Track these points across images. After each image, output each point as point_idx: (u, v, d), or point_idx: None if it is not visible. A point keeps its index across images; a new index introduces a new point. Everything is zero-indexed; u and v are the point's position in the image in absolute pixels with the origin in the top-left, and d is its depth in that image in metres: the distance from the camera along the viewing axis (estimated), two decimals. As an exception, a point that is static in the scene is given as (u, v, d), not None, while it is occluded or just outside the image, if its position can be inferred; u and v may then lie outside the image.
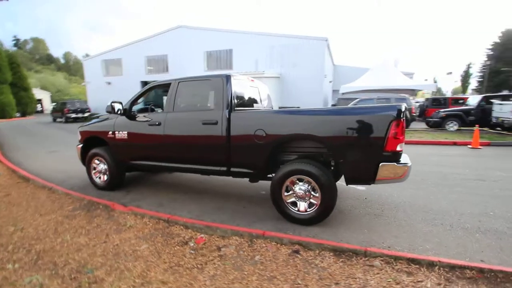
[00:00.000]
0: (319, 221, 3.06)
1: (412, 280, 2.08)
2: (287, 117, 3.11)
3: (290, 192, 3.15)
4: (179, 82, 3.85)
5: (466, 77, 52.62)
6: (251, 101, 4.03)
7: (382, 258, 2.33)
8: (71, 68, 73.77)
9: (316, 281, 2.10)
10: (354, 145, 2.79)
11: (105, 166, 4.42)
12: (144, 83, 23.57)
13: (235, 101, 3.49)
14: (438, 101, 14.61)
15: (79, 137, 4.73)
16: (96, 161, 4.51)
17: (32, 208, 3.70)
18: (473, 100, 11.62)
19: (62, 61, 77.60)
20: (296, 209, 3.13)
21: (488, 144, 8.15)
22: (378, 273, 2.18)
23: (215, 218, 3.32)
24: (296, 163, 3.09)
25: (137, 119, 4.10)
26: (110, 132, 4.25)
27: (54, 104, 25.22)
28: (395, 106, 2.68)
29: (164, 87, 4.30)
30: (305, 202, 3.10)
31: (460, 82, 53.72)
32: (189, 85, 3.83)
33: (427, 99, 16.43)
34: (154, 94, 6.42)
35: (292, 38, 18.00)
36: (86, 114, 21.00)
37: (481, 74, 53.42)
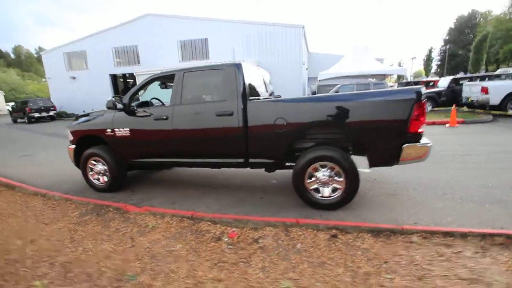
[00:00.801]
0: (343, 205, 3.13)
1: (452, 251, 2.22)
2: (309, 105, 3.09)
3: (313, 179, 3.17)
4: (184, 73, 3.64)
5: (428, 61, 56.12)
6: (260, 89, 3.94)
7: (418, 234, 2.45)
8: (23, 63, 66.95)
9: (365, 262, 2.16)
10: (379, 129, 2.85)
11: (104, 167, 4.11)
12: (114, 77, 22.11)
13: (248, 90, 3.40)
14: (412, 84, 15.43)
15: (70, 137, 4.34)
16: (93, 162, 4.18)
17: (32, 217, 3.36)
18: (443, 82, 12.43)
19: (12, 56, 70.00)
20: (320, 195, 3.17)
21: (463, 122, 8.84)
22: (419, 248, 2.30)
23: (238, 211, 3.26)
24: (319, 149, 3.10)
25: (137, 114, 3.83)
26: (109, 130, 3.94)
27: (12, 104, 22.84)
28: (415, 88, 2.77)
29: (166, 79, 4.06)
30: (328, 187, 3.14)
31: (423, 66, 57.22)
32: (196, 76, 3.64)
33: (400, 83, 17.30)
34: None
35: (269, 26, 17.80)
36: (52, 113, 19.34)
37: (439, 57, 57.35)
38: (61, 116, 20.36)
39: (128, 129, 3.83)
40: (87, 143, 4.29)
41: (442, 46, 57.20)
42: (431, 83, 14.99)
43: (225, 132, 3.37)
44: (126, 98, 3.84)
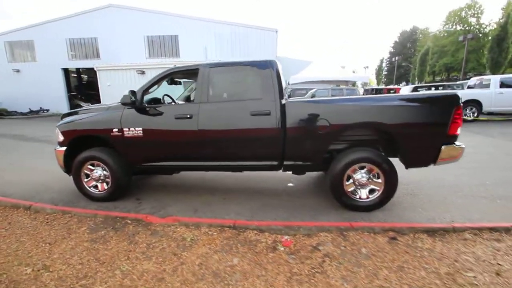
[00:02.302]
0: (381, 206, 3.15)
1: (505, 245, 2.36)
2: (353, 106, 3.05)
3: (350, 181, 3.14)
4: (211, 68, 3.33)
5: (380, 70, 61.68)
6: (284, 87, 3.80)
7: (468, 231, 2.57)
8: None
9: (438, 262, 2.17)
10: (421, 130, 2.94)
11: (105, 172, 3.55)
12: (66, 71, 19.74)
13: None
14: (377, 91, 16.73)
15: (60, 138, 3.66)
16: (90, 167, 3.59)
17: (26, 236, 2.71)
18: (405, 90, 13.69)
19: None
20: (358, 196, 3.15)
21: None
22: (475, 245, 2.40)
23: (275, 217, 3.07)
24: (358, 151, 3.08)
25: (152, 112, 3.39)
26: (116, 130, 3.41)
27: None
28: (454, 93, 2.93)
29: (187, 74, 3.68)
30: (366, 189, 3.14)
31: (375, 75, 62.77)
32: (225, 72, 3.36)
33: (366, 90, 18.63)
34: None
35: (243, 27, 17.72)
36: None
37: (386, 68, 63.55)
38: (1, 114, 17.46)
39: (140, 129, 3.36)
40: (83, 144, 3.68)
41: (388, 58, 63.56)
42: (393, 91, 16.43)
43: (260, 133, 3.16)
44: (138, 94, 3.36)
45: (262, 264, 2.20)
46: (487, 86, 10.45)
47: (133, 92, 3.24)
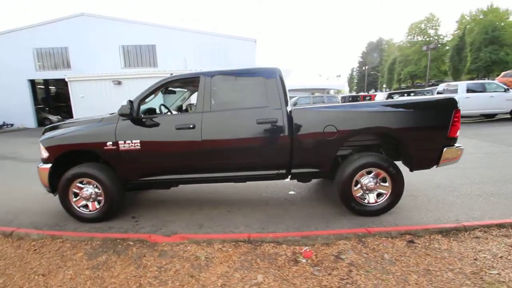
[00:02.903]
0: (389, 210, 3.18)
1: (515, 241, 2.46)
2: (360, 112, 3.08)
3: (358, 186, 3.15)
4: (212, 76, 3.22)
5: (351, 78, 64.67)
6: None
7: (478, 229, 2.65)
8: None
9: (460, 262, 2.20)
10: (425, 134, 3.04)
11: (96, 189, 3.27)
12: (33, 82, 18.42)
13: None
14: (354, 98, 17.44)
15: (44, 154, 3.31)
16: (79, 185, 3.28)
17: (13, 269, 2.36)
18: (380, 96, 14.40)
19: None
20: (366, 201, 3.16)
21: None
22: (488, 242, 2.47)
23: (287, 227, 2.99)
24: (366, 156, 3.10)
25: (149, 123, 3.20)
26: (110, 143, 3.16)
27: None
28: (451, 97, 3.07)
29: (186, 83, 3.52)
30: (373, 193, 3.16)
31: (347, 83, 65.76)
32: (227, 79, 3.27)
33: (343, 97, 19.36)
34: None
35: (222, 37, 17.77)
36: None
37: (356, 76, 66.92)
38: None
39: (138, 141, 3.14)
40: (69, 161, 3.37)
41: (358, 67, 67.00)
42: (368, 98, 17.23)
43: (267, 141, 3.09)
44: (134, 104, 3.15)
45: (288, 279, 2.09)
46: (455, 91, 11.27)
47: (130, 102, 3.03)
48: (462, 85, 11.24)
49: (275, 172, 3.19)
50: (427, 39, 46.80)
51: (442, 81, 36.49)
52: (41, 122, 17.82)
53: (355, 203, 3.13)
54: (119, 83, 14.23)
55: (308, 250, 2.47)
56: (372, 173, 3.11)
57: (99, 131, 3.22)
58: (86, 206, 3.34)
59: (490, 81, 11.90)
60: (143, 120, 3.22)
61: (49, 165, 3.28)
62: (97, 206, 3.33)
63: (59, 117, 18.35)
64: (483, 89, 10.99)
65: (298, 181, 3.57)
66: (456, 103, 3.01)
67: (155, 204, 3.97)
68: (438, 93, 12.66)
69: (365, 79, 50.89)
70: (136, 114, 3.14)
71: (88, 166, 3.27)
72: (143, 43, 17.52)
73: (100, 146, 3.18)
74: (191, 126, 3.09)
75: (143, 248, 2.61)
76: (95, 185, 3.27)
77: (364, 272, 2.14)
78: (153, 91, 3.32)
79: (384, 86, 54.41)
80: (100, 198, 3.30)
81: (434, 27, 47.75)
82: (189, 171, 3.23)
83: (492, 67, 33.90)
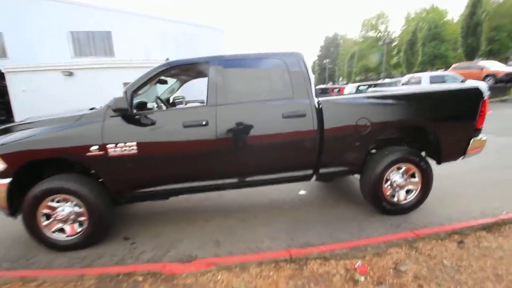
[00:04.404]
0: (418, 206, 3.01)
1: (556, 232, 2.43)
2: (393, 104, 2.80)
3: (388, 183, 2.92)
4: (226, 61, 2.66)
5: (313, 72, 66.58)
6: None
7: (516, 222, 2.58)
8: None
9: (523, 262, 2.07)
10: (456, 125, 2.90)
11: (76, 208, 2.55)
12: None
13: None
14: (324, 90, 17.67)
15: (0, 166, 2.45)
16: (52, 203, 2.52)
17: None
18: (350, 89, 14.83)
19: None
20: (396, 199, 2.95)
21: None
22: (532, 236, 2.40)
23: (317, 235, 2.64)
24: (397, 151, 2.86)
25: (147, 120, 2.55)
26: (95, 147, 2.44)
27: None
28: (478, 86, 2.96)
29: (188, 70, 2.90)
30: (403, 190, 2.97)
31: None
32: (242, 66, 2.73)
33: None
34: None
35: (188, 25, 16.58)
36: None
37: (317, 69, 69.17)
38: None
39: (134, 143, 2.48)
40: (34, 173, 2.58)
41: (318, 61, 69.26)
42: (337, 90, 17.67)
43: (294, 138, 2.67)
44: (126, 96, 2.46)
45: (359, 306, 1.73)
46: (419, 82, 12.02)
47: (126, 94, 2.35)
48: (425, 76, 12.03)
49: (301, 173, 2.79)
50: (379, 34, 50.09)
51: (391, 74, 39.65)
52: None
53: (386, 202, 2.89)
54: (71, 74, 12.39)
55: (361, 264, 2.14)
56: (403, 169, 2.90)
57: (78, 131, 2.47)
58: (62, 230, 2.59)
59: (448, 72, 12.92)
60: (139, 116, 2.55)
61: (7, 180, 2.44)
62: (78, 229, 2.60)
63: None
64: (443, 80, 11.87)
65: (321, 181, 3.24)
66: (483, 93, 2.91)
67: (148, 217, 3.32)
68: (402, 84, 13.39)
69: (326, 72, 52.75)
70: (131, 109, 2.47)
71: (64, 178, 2.51)
72: (96, 29, 15.51)
73: (80, 152, 2.45)
74: (204, 123, 2.52)
75: (159, 283, 2.02)
76: (74, 203, 2.53)
77: (433, 286, 1.88)
78: (148, 80, 2.64)
79: (341, 79, 57.26)
80: (82, 218, 2.57)
81: (384, 23, 51.25)
82: (200, 177, 2.67)
83: (435, 61, 37.72)
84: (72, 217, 2.56)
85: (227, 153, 2.61)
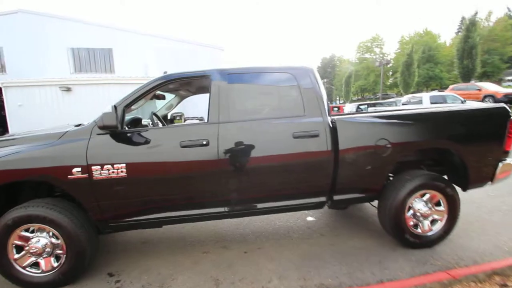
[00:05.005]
0: (445, 238, 2.66)
1: None
2: (415, 123, 2.53)
3: (411, 212, 2.59)
4: (229, 75, 2.41)
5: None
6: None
7: None
8: None
9: None
10: (484, 148, 2.62)
11: (53, 239, 2.18)
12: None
13: None
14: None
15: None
16: (25, 233, 2.15)
17: None
18: (350, 108, 14.79)
19: None
20: (419, 230, 2.61)
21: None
22: None
23: (333, 272, 2.28)
24: (420, 176, 2.55)
25: (139, 139, 2.24)
26: (77, 169, 2.11)
27: None
28: (503, 105, 2.72)
29: (187, 84, 2.65)
30: (428, 220, 2.63)
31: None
32: (248, 81, 2.48)
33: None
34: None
35: (188, 44, 16.75)
36: None
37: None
38: None
39: (123, 165, 2.16)
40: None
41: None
42: (337, 109, 17.67)
43: (307, 161, 2.36)
44: (117, 111, 2.17)
45: None
46: (420, 102, 11.97)
47: (116, 109, 2.06)
48: (426, 96, 12.00)
49: (314, 200, 2.46)
50: (374, 56, 51.50)
51: (387, 94, 40.33)
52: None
53: (409, 234, 2.54)
54: (69, 89, 12.20)
55: None
56: (427, 196, 2.58)
57: (59, 151, 2.15)
58: (36, 264, 2.21)
59: (448, 93, 12.95)
60: (131, 134, 2.25)
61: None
62: (55, 264, 2.22)
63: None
64: (443, 100, 11.84)
65: (334, 208, 2.91)
66: (509, 113, 2.67)
67: (137, 247, 2.93)
68: (402, 104, 13.36)
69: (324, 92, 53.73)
70: (122, 126, 2.17)
71: (40, 204, 2.15)
72: (98, 46, 15.57)
73: (60, 174, 2.12)
74: (204, 142, 2.22)
75: None
76: (50, 233, 2.17)
77: None
78: (142, 95, 2.36)
79: (337, 98, 58.10)
80: (60, 251, 2.20)
81: (379, 46, 52.81)
82: (199, 204, 2.33)
83: (430, 82, 38.56)
84: (48, 249, 2.19)
85: (230, 177, 2.28)
